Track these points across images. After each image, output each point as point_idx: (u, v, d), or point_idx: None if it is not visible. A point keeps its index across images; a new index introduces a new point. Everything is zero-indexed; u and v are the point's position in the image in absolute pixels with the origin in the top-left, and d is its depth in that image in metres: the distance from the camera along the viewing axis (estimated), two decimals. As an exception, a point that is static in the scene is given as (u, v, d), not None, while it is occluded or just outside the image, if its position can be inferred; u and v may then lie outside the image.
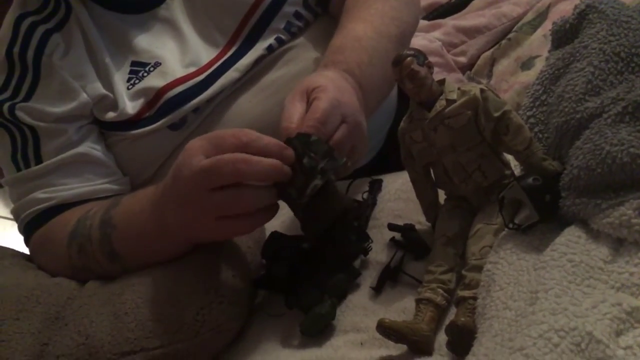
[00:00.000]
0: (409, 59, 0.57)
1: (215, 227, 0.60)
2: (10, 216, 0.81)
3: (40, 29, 0.79)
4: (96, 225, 0.69)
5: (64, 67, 0.79)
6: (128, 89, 0.80)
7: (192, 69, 0.81)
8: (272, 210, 0.61)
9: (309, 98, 0.64)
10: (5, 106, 0.78)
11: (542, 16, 1.22)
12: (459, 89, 0.58)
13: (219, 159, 0.57)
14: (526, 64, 1.16)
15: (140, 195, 0.69)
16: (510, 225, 0.54)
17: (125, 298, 0.63)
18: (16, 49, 0.78)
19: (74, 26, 0.80)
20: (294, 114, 0.63)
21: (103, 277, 0.69)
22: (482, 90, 0.57)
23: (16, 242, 0.81)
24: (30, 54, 0.78)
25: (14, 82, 0.79)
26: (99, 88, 0.79)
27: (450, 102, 0.57)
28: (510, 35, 1.25)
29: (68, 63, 0.79)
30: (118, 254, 0.68)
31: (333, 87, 0.65)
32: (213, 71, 0.81)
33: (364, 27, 0.77)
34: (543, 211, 0.52)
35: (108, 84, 0.80)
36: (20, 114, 0.78)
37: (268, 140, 0.59)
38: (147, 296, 0.63)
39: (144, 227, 0.65)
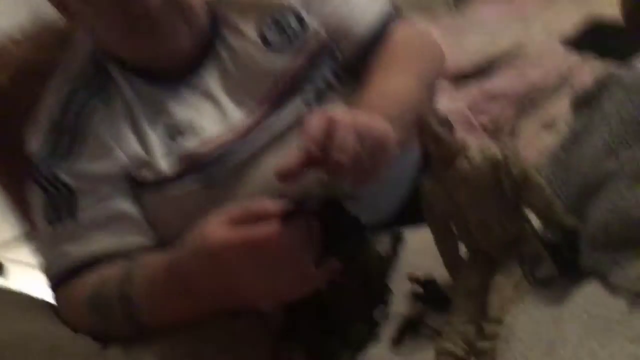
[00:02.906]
0: (430, 119, 0.59)
1: (271, 289, 0.61)
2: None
3: (82, 94, 0.83)
4: (116, 300, 0.71)
5: (103, 128, 0.82)
6: (164, 151, 0.82)
7: (225, 133, 0.84)
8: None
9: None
10: (44, 165, 0.81)
11: (565, 81, 1.25)
12: (479, 148, 0.60)
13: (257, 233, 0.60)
14: (549, 127, 1.17)
15: (155, 270, 0.70)
16: (530, 279, 0.55)
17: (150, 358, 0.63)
18: (57, 113, 0.83)
19: (113, 91, 0.84)
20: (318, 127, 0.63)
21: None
22: (502, 150, 0.59)
23: (41, 289, 0.83)
24: (70, 115, 0.82)
25: (52, 142, 0.82)
26: (135, 149, 0.82)
27: (470, 161, 0.59)
28: (534, 98, 1.27)
29: (106, 124, 0.82)
30: (146, 325, 0.70)
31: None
32: (246, 135, 0.84)
33: (405, 80, 0.81)
34: (562, 266, 0.54)
35: (144, 145, 0.83)
36: (58, 172, 0.80)
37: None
38: (170, 356, 0.63)
39: (172, 306, 0.68)
